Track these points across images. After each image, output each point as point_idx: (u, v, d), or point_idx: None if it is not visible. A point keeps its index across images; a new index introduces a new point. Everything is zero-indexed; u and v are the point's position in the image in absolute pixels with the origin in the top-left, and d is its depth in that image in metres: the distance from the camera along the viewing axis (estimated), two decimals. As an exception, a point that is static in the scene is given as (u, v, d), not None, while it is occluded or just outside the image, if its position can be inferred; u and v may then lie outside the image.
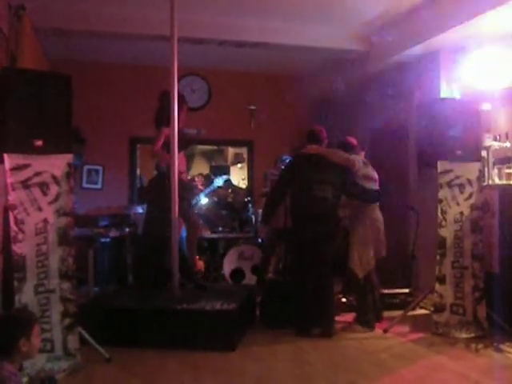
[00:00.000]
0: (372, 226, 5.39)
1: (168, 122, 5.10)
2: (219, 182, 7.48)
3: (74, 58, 7.45)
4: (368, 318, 5.34)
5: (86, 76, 7.47)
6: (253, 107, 8.31)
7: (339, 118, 8.44)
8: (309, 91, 9.04)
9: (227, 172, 9.73)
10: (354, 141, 5.71)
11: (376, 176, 5.56)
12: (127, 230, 6.49)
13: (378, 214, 5.48)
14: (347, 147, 5.59)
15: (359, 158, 5.50)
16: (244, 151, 9.94)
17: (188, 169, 10.06)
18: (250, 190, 8.83)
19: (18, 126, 3.87)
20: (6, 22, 5.03)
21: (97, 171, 8.33)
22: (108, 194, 8.17)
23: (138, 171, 8.85)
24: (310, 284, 5.08)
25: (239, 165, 11.05)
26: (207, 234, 7.55)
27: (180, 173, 5.32)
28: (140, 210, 6.90)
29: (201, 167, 11.35)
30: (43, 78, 4.06)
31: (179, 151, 5.20)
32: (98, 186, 8.33)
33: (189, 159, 11.48)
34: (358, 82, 8.00)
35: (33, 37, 6.10)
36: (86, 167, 8.24)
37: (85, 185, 8.25)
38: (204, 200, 7.40)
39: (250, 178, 9.20)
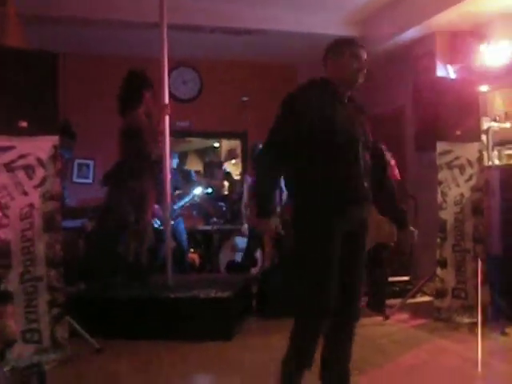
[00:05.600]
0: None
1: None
2: (197, 191, 7.17)
3: (62, 50, 7.25)
4: (382, 303, 5.27)
5: (74, 68, 7.31)
6: (246, 98, 8.11)
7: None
8: (303, 81, 8.90)
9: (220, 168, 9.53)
10: None
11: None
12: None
13: None
14: None
15: None
16: (237, 144, 9.79)
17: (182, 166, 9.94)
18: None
19: (0, 106, 3.68)
20: (-13, 6, 4.84)
21: (87, 165, 8.16)
22: (99, 188, 7.96)
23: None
24: None
25: (233, 161, 10.89)
26: (201, 225, 7.38)
27: None
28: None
29: (194, 164, 11.18)
30: (28, 56, 3.86)
31: None
32: (89, 180, 8.15)
33: (182, 157, 11.37)
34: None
35: (18, 24, 5.93)
36: (76, 161, 8.07)
37: (75, 179, 8.07)
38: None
39: (245, 169, 9.04)
